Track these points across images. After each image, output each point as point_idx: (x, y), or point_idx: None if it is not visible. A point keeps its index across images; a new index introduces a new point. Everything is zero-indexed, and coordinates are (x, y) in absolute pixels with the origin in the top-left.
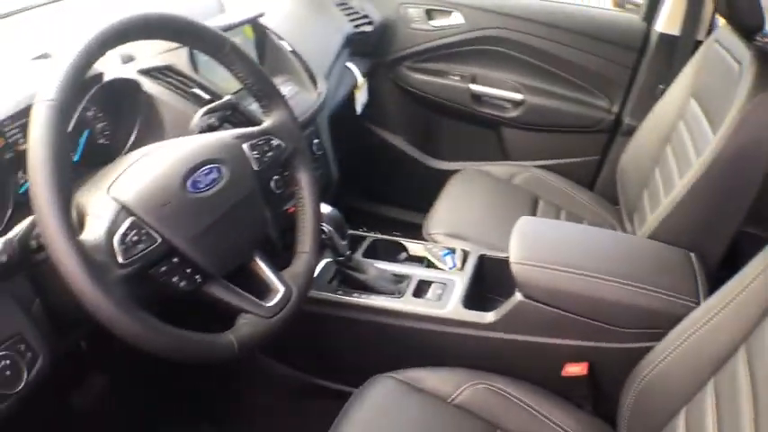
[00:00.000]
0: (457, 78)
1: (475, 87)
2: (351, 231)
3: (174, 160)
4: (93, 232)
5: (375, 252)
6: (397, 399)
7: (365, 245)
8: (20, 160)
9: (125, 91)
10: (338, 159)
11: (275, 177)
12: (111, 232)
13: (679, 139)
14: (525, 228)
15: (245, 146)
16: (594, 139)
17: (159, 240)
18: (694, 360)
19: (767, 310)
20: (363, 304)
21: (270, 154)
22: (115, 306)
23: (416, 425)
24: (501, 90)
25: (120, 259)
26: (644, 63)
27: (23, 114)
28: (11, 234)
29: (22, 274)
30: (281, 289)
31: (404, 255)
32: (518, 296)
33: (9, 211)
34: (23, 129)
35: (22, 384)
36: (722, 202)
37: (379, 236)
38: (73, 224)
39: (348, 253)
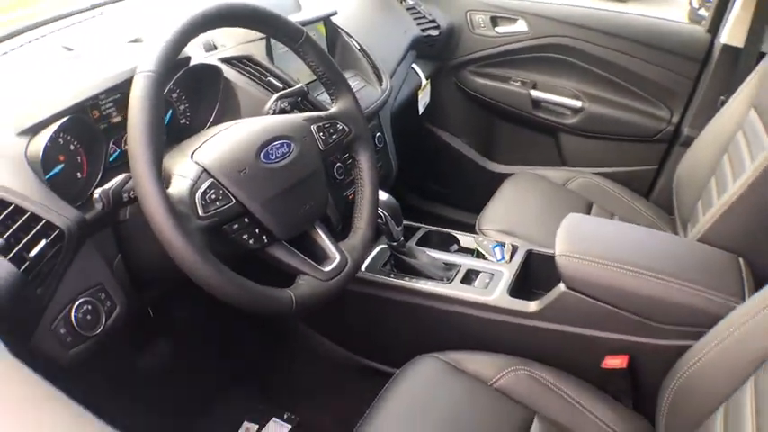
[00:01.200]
0: (518, 84)
1: (536, 93)
2: (406, 222)
3: (250, 134)
4: (177, 188)
5: (427, 242)
6: (439, 378)
7: (419, 235)
8: (112, 131)
9: (207, 76)
10: (397, 156)
11: (338, 164)
12: (193, 189)
13: (736, 149)
14: (572, 223)
15: (312, 127)
16: (653, 149)
17: (233, 201)
18: (734, 358)
19: None
20: (413, 288)
21: (335, 136)
22: (192, 250)
23: (457, 404)
24: (561, 97)
25: (199, 212)
26: (706, 74)
27: (117, 90)
28: (107, 186)
29: (108, 232)
30: (338, 257)
31: (455, 246)
32: (561, 287)
33: (99, 176)
34: (116, 103)
35: (101, 329)
36: None
37: (433, 227)
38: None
39: (401, 239)
